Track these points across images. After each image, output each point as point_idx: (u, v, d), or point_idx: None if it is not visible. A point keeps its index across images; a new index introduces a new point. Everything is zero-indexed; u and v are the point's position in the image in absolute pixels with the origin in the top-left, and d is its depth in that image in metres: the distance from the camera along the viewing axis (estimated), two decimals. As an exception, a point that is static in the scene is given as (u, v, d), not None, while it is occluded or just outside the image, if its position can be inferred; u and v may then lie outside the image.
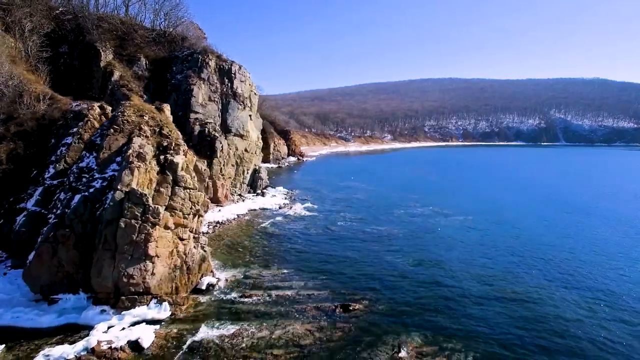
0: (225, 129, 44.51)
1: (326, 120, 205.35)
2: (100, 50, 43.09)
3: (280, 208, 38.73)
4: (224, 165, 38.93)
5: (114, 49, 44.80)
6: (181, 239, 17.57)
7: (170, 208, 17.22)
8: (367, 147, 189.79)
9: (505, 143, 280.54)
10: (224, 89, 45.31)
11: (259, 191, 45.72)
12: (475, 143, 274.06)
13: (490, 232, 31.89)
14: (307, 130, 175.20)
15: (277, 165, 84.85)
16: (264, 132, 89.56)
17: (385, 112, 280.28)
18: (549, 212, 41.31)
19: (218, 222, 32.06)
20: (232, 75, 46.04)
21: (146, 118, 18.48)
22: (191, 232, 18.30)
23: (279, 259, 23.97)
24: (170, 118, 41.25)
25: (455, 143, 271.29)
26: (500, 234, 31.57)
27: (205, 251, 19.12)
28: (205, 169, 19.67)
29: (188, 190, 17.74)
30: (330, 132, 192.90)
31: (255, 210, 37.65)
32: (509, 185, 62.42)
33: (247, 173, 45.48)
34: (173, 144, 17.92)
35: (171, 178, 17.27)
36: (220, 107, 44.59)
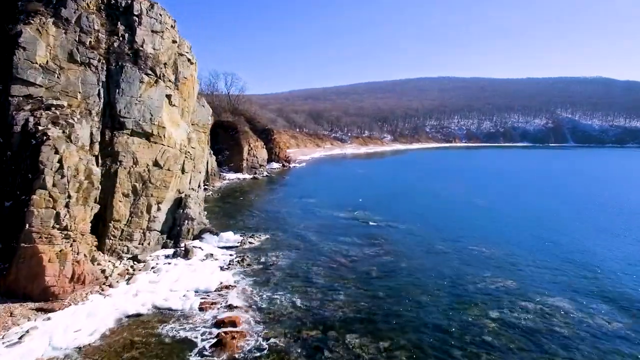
0: (113, 121, 22.04)
1: (319, 119, 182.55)
2: None
3: (202, 310, 15.75)
4: (68, 204, 16.32)
5: None
6: None
7: None
8: (366, 148, 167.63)
9: (511, 144, 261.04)
10: (115, 44, 22.81)
11: (182, 245, 23.11)
12: (479, 144, 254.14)
13: None
14: (297, 130, 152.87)
15: (252, 176, 62.32)
16: (235, 131, 66.91)
17: (383, 110, 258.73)
18: None
19: None
20: (134, 18, 23.60)
21: None
22: None
23: None
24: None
25: (459, 144, 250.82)
26: None
27: None
28: None
29: None
30: (324, 132, 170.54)
31: (139, 317, 14.89)
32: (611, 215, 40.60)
33: (159, 210, 22.88)
34: None
35: None
36: (102, 76, 22.04)
